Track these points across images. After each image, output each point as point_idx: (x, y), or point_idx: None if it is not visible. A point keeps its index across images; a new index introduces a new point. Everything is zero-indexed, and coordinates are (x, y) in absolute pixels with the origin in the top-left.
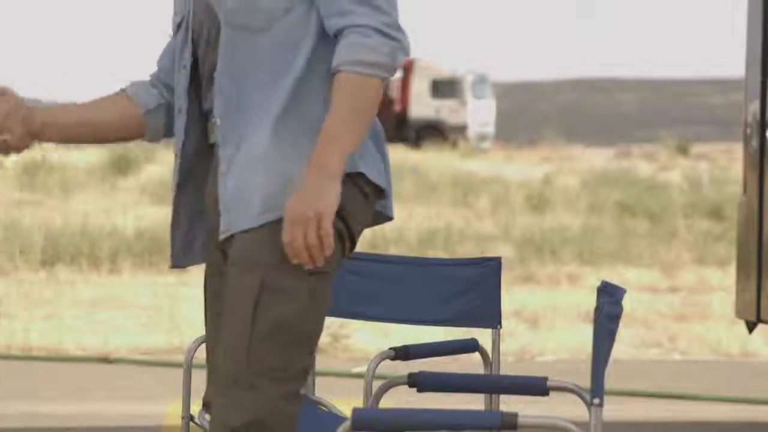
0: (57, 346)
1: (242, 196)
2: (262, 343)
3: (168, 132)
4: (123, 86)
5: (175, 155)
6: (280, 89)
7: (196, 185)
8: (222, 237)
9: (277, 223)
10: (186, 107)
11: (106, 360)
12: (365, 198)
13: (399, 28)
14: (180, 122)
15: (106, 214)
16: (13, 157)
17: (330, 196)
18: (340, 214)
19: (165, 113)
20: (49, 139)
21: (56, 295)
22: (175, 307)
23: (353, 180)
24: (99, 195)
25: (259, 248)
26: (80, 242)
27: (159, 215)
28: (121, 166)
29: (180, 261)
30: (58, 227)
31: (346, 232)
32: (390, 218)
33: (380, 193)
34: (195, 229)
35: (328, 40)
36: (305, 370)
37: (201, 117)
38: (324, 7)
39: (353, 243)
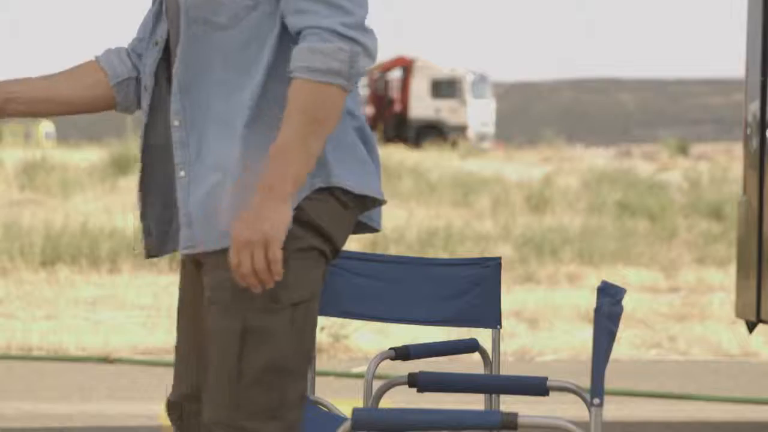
0: (57, 346)
1: (207, 211)
2: (251, 388)
3: (140, 105)
4: (97, 53)
5: (140, 135)
6: (245, 91)
7: (167, 170)
8: (185, 252)
9: None
10: (152, 86)
11: (106, 360)
12: (344, 207)
13: (362, 29)
14: (145, 101)
15: (106, 214)
16: None
17: (279, 219)
18: (320, 230)
19: (135, 86)
20: (13, 115)
21: (56, 295)
22: (175, 307)
23: (330, 191)
24: (99, 195)
25: (237, 284)
26: (80, 242)
27: None
28: (121, 166)
29: (157, 250)
30: (58, 227)
31: (328, 247)
32: (375, 230)
33: (364, 199)
34: (167, 215)
35: (294, 39)
36: (302, 395)
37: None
38: (284, 4)
39: (337, 252)
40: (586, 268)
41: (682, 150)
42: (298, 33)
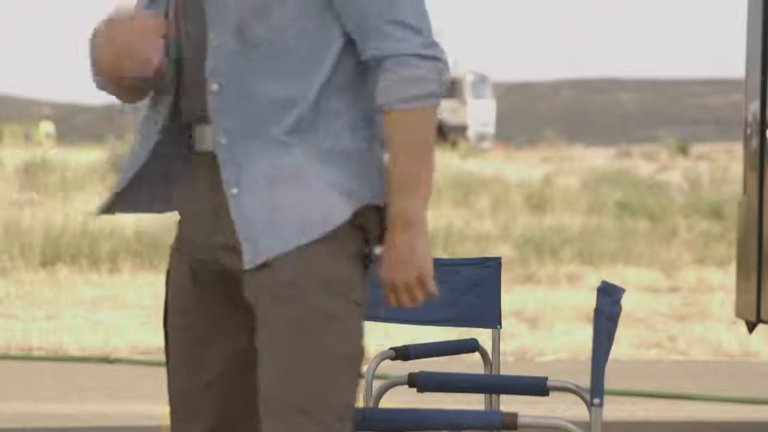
0: (57, 346)
1: (267, 220)
2: (330, 376)
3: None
4: None
5: (135, 153)
6: (296, 107)
7: (168, 169)
8: (253, 265)
9: (313, 245)
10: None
11: (106, 360)
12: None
13: (436, 45)
14: (154, 120)
15: None
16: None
17: (425, 253)
18: (369, 240)
19: None
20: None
21: (56, 295)
22: None
23: (375, 206)
24: (99, 195)
25: (306, 276)
26: (80, 242)
27: (159, 215)
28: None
29: (108, 209)
30: (58, 227)
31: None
32: None
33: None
34: (142, 188)
35: (349, 53)
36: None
37: (175, 115)
38: (355, 26)
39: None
40: (586, 268)
41: (682, 150)
42: (377, 61)
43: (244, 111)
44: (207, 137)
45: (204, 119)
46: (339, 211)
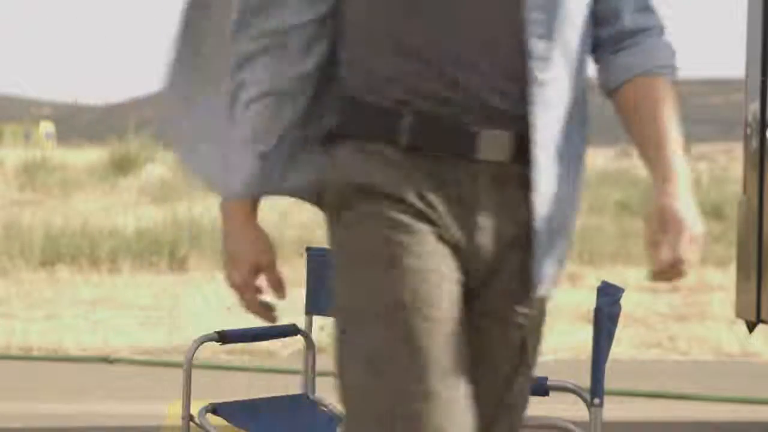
0: (57, 346)
1: (551, 242)
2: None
3: None
4: None
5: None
6: (579, 109)
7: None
8: (540, 295)
9: None
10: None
11: (106, 360)
12: None
13: None
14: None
15: (106, 214)
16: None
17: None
18: None
19: None
20: None
21: (56, 295)
22: (175, 307)
23: None
24: (99, 195)
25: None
26: (80, 242)
27: (159, 215)
28: (121, 166)
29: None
30: (58, 227)
31: None
32: None
33: None
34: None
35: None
36: None
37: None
38: (621, 2)
39: None
40: (586, 268)
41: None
42: (640, 30)
43: (559, 115)
44: (505, 143)
45: (491, 121)
46: None
